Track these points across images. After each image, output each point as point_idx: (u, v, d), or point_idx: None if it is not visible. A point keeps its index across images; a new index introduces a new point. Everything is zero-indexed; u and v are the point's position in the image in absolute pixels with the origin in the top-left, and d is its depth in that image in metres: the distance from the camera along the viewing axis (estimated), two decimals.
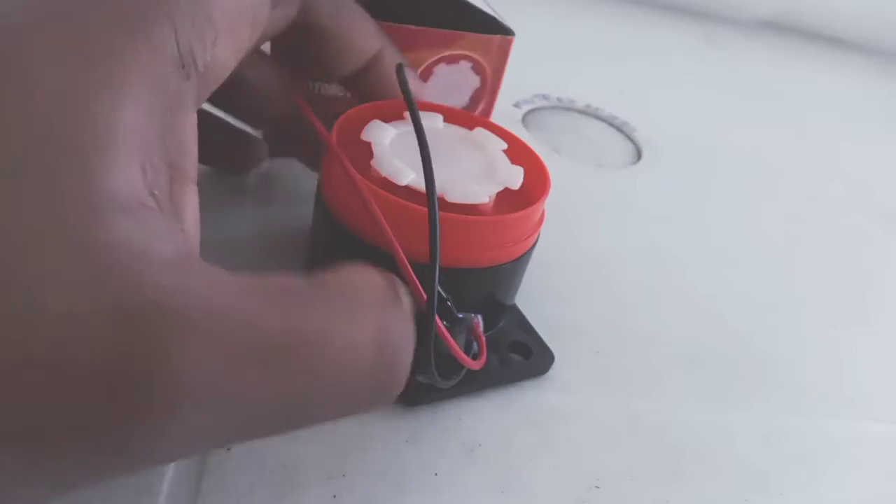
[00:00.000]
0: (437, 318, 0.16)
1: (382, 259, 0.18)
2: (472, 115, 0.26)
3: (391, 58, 0.23)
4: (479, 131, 0.24)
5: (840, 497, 0.22)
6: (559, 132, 0.41)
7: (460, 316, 0.18)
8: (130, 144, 0.12)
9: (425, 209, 0.18)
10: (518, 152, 0.24)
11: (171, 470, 0.18)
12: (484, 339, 0.19)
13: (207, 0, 0.14)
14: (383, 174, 0.20)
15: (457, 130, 0.24)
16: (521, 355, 0.23)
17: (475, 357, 0.18)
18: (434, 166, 0.19)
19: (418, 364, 0.16)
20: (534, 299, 0.26)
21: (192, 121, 0.14)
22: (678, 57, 0.58)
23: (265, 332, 0.12)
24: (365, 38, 0.22)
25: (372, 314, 0.14)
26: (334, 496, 0.18)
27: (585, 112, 0.44)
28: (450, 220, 0.19)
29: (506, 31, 0.29)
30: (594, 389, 0.24)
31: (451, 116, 0.25)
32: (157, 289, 0.11)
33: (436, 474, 0.19)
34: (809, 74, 0.63)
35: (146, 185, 0.12)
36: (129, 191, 0.12)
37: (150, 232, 0.12)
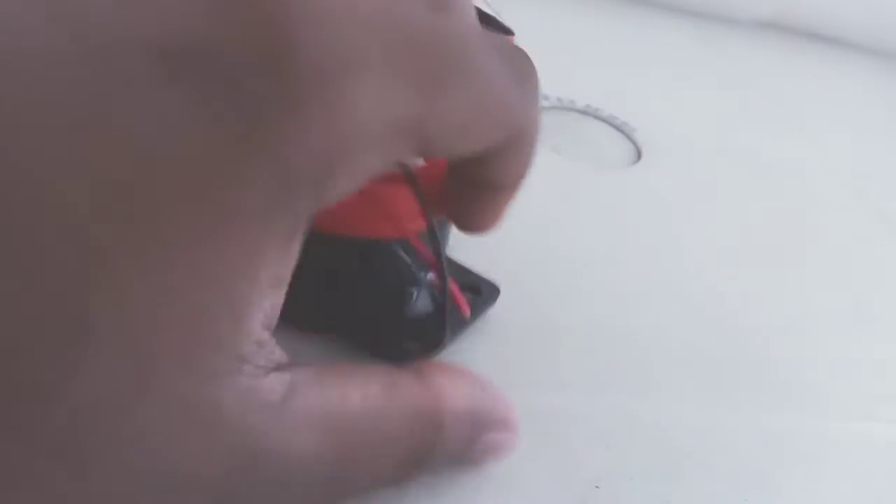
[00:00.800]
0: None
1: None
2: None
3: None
4: None
5: (840, 497, 0.22)
6: (559, 132, 0.41)
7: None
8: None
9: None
10: None
11: None
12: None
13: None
14: None
15: None
16: (472, 293, 0.24)
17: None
18: None
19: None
20: (533, 299, 0.26)
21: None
22: (678, 57, 0.58)
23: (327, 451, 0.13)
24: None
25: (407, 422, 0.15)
26: None
27: (585, 112, 0.44)
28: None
29: (505, 31, 0.29)
30: (594, 389, 0.24)
31: None
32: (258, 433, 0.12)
33: (436, 473, 0.19)
34: (809, 75, 0.63)
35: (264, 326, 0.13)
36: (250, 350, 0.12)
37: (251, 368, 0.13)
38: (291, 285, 0.14)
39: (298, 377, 0.13)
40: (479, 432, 0.17)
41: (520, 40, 0.30)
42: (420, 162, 0.20)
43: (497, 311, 0.25)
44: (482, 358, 0.23)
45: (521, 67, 0.17)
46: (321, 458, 0.13)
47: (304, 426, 0.13)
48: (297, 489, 0.13)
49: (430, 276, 0.21)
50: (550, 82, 0.45)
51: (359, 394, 0.14)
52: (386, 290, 0.22)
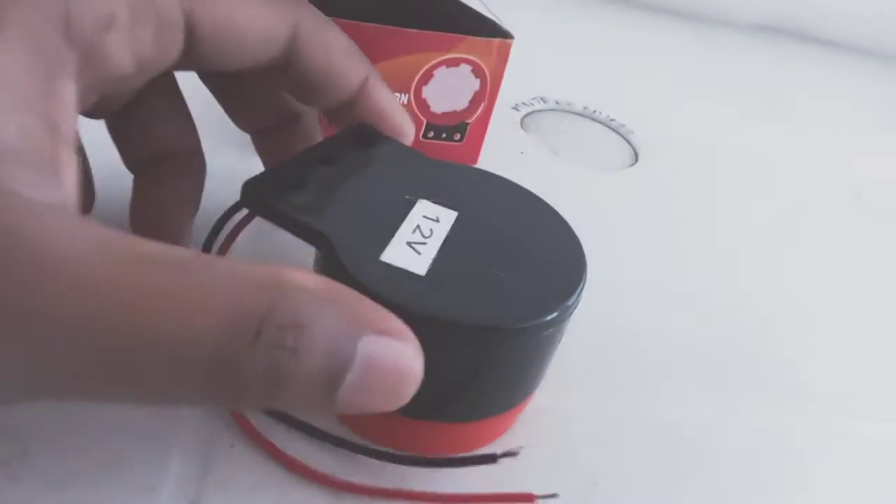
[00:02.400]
0: None
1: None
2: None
3: (377, 87, 0.21)
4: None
5: (838, 496, 0.23)
6: (557, 134, 0.41)
7: None
8: (5, 97, 0.12)
9: None
10: None
11: (174, 467, 0.18)
12: None
13: None
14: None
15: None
16: None
17: None
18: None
19: None
20: None
21: (71, 90, 0.14)
22: (676, 59, 0.58)
23: (109, 287, 0.11)
24: (353, 68, 0.20)
25: (231, 290, 0.12)
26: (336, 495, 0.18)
27: (583, 114, 0.44)
28: None
29: (505, 35, 0.30)
30: (593, 388, 0.24)
31: None
32: (15, 217, 0.11)
33: (436, 473, 0.20)
34: (806, 77, 0.63)
35: (20, 138, 0.12)
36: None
37: (19, 179, 0.12)
38: None
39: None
40: (354, 330, 0.13)
41: (519, 43, 0.30)
42: None
43: None
44: None
45: None
46: (93, 279, 0.11)
47: (79, 237, 0.12)
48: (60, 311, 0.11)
49: None
50: (549, 84, 0.45)
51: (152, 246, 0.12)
52: None
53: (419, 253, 0.18)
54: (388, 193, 0.19)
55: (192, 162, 0.22)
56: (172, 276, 0.12)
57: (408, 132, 0.22)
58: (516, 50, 0.30)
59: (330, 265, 0.17)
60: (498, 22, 0.30)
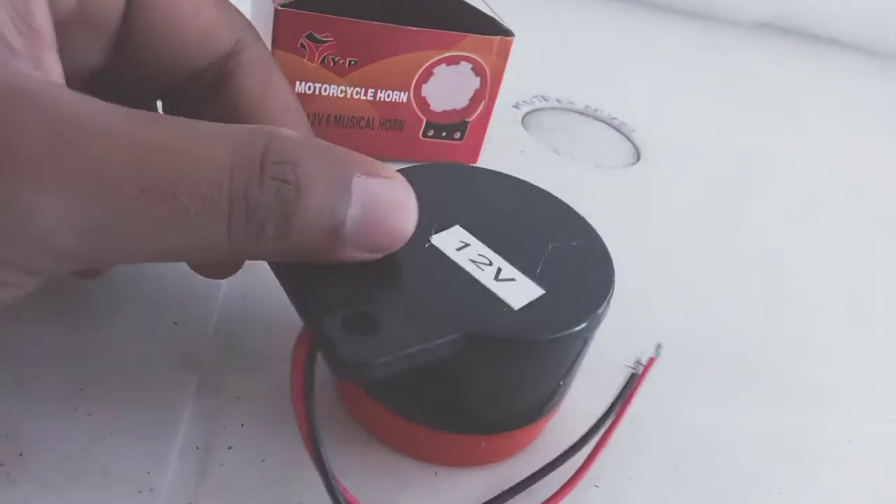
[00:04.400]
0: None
1: None
2: None
3: (260, 61, 0.19)
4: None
5: (839, 496, 0.23)
6: (558, 133, 0.41)
7: None
8: None
9: None
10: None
11: (171, 470, 0.18)
12: None
13: None
14: None
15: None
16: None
17: None
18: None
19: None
20: None
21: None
22: (677, 58, 0.58)
23: (120, 133, 0.12)
24: (222, 33, 0.18)
25: (228, 136, 0.13)
26: None
27: (585, 113, 0.44)
28: None
29: (505, 33, 0.29)
30: (593, 389, 0.24)
31: None
32: (28, 82, 0.12)
33: (436, 474, 0.20)
34: (808, 75, 0.63)
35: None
36: None
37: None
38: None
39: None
40: (344, 170, 0.14)
41: (520, 41, 0.30)
42: None
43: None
44: None
45: None
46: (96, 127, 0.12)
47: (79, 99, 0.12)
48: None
49: None
50: (550, 82, 0.45)
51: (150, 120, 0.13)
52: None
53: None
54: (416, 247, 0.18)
55: (239, 64, 0.19)
56: (176, 128, 0.13)
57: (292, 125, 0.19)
58: (517, 48, 0.30)
59: None
60: (498, 19, 0.30)
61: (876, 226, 0.40)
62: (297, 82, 0.28)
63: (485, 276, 0.17)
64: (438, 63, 0.29)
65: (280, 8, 0.26)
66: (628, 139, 0.42)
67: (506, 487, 0.19)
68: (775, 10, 0.68)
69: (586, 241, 0.21)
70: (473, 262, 0.18)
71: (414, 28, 0.28)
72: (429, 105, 0.30)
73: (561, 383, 0.19)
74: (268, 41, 0.26)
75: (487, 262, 0.18)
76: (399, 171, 0.18)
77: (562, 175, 0.36)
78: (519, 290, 0.17)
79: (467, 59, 0.29)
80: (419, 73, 0.29)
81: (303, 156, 0.14)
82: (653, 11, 0.65)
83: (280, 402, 0.20)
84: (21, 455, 0.17)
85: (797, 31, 0.69)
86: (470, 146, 0.32)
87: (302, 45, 0.27)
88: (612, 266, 0.20)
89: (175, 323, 0.22)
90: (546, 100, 0.44)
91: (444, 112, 0.31)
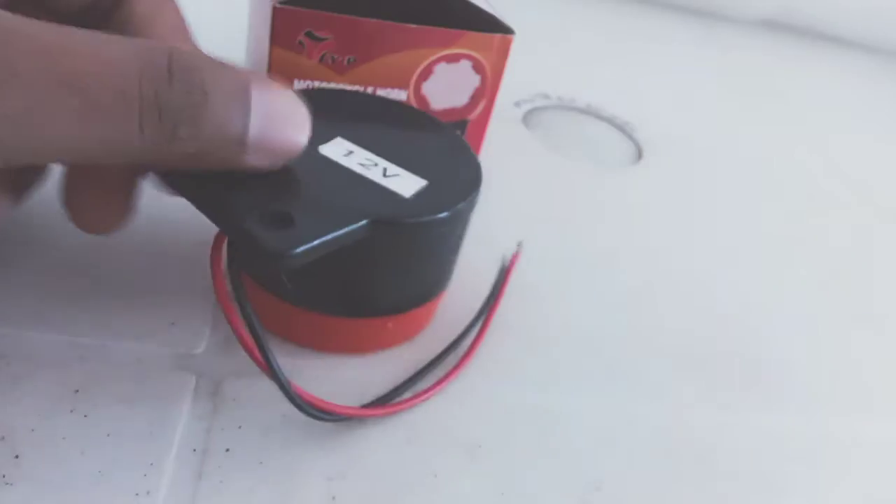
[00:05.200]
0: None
1: None
2: None
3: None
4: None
5: (841, 497, 0.22)
6: (560, 131, 0.41)
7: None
8: None
9: None
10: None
11: (168, 472, 0.18)
12: None
13: None
14: None
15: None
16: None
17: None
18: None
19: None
20: (534, 299, 0.26)
21: None
22: (679, 56, 0.58)
23: (33, 36, 0.13)
24: None
25: (133, 45, 0.14)
26: (333, 497, 0.18)
27: (586, 111, 0.43)
28: None
29: (506, 30, 0.29)
30: (594, 390, 0.24)
31: None
32: None
33: (435, 475, 0.19)
34: (811, 73, 0.62)
35: None
36: None
37: None
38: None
39: None
40: (243, 81, 0.15)
41: (520, 40, 0.30)
42: None
43: (497, 311, 0.25)
44: (482, 358, 0.23)
45: None
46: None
47: None
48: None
49: None
50: (551, 81, 0.45)
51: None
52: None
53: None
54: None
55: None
56: (84, 35, 0.14)
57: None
58: (517, 45, 0.30)
59: None
60: (498, 17, 0.29)
61: (879, 225, 0.40)
62: (296, 80, 0.27)
63: (374, 174, 0.20)
64: (438, 61, 0.29)
65: (278, 5, 0.26)
66: (630, 138, 0.42)
67: (420, 366, 0.22)
68: (778, 7, 0.68)
69: (451, 141, 0.23)
70: (361, 164, 0.20)
71: (413, 26, 0.27)
72: (429, 103, 0.30)
73: (452, 258, 0.22)
74: (266, 39, 0.26)
75: (373, 163, 0.20)
76: None
77: (563, 174, 0.36)
78: (406, 183, 0.20)
79: (467, 57, 0.29)
80: (419, 71, 0.29)
81: (205, 65, 0.15)
82: (655, 9, 0.65)
83: (278, 405, 0.20)
84: (17, 457, 0.17)
85: (800, 29, 0.69)
86: (470, 145, 0.32)
87: (300, 42, 0.27)
88: (475, 156, 0.23)
89: (172, 324, 0.21)
90: (547, 98, 0.43)
91: (444, 110, 0.31)
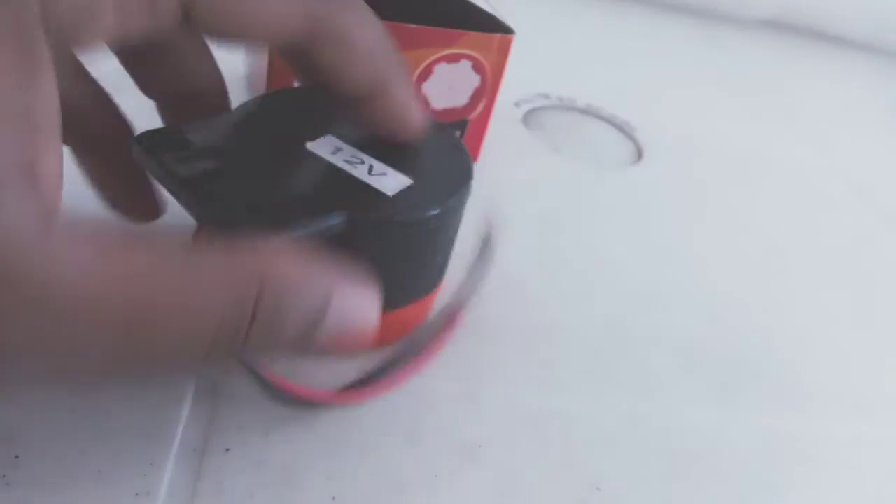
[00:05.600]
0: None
1: None
2: None
3: (396, 94, 0.20)
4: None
5: (840, 497, 0.22)
6: (560, 131, 0.41)
7: None
8: None
9: None
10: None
11: (168, 472, 0.18)
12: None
13: None
14: None
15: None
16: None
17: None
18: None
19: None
20: (534, 299, 0.26)
21: (51, 82, 0.13)
22: (679, 56, 0.58)
23: (112, 301, 0.13)
24: (371, 72, 0.19)
25: (221, 289, 0.14)
26: (333, 497, 0.18)
27: (586, 111, 0.43)
28: None
29: (506, 30, 0.29)
30: (594, 390, 0.24)
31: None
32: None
33: (435, 476, 0.19)
34: (811, 74, 0.62)
35: None
36: None
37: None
38: None
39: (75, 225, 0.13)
40: (322, 299, 0.15)
41: (520, 39, 0.30)
42: None
43: (497, 311, 0.25)
44: (482, 358, 0.23)
45: None
46: (96, 298, 0.12)
47: (75, 254, 0.12)
48: (70, 331, 0.13)
49: None
50: (551, 81, 0.45)
51: (146, 251, 0.13)
52: None
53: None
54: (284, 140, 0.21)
55: (217, 103, 0.21)
56: (174, 270, 0.13)
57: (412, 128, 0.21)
58: (517, 45, 0.30)
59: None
60: (498, 17, 0.29)
61: (879, 225, 0.40)
62: (295, 80, 0.27)
63: (359, 172, 0.19)
64: (438, 61, 0.29)
65: None
66: (630, 138, 0.42)
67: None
68: (778, 7, 0.68)
69: (445, 140, 0.23)
70: (347, 161, 0.20)
71: (413, 25, 0.27)
72: (428, 103, 0.30)
73: (439, 258, 0.22)
74: None
75: (359, 160, 0.20)
76: (269, 93, 0.22)
77: (563, 174, 0.36)
78: (391, 181, 0.19)
79: (467, 57, 0.29)
80: (419, 70, 0.29)
81: (292, 294, 0.15)
82: (655, 9, 0.65)
83: (278, 405, 0.20)
84: (17, 458, 0.17)
85: (801, 29, 0.69)
86: (470, 145, 0.32)
87: None
88: (469, 157, 0.22)
89: None
90: (547, 98, 0.43)
91: (444, 110, 0.31)
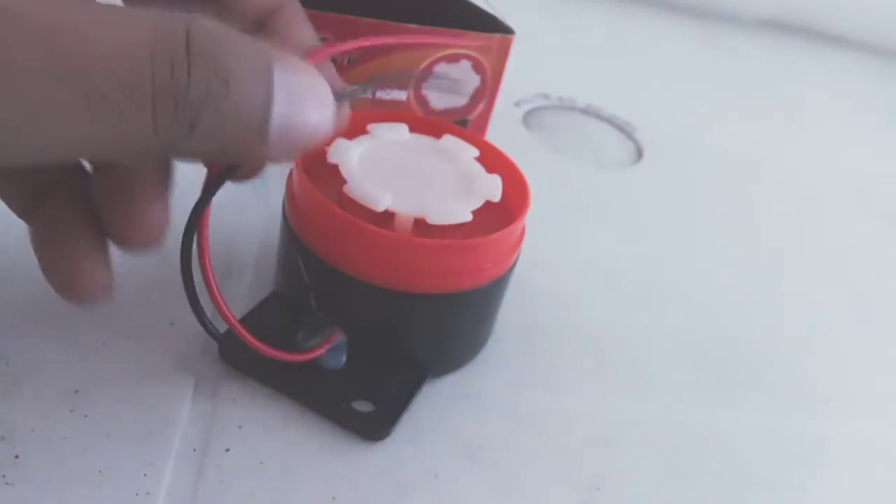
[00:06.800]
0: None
1: (342, 280, 0.19)
2: (439, 120, 0.25)
3: (295, 15, 0.19)
4: (448, 139, 0.23)
5: (840, 497, 0.22)
6: (560, 131, 0.41)
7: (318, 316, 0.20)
8: None
9: (402, 235, 0.19)
10: (492, 159, 0.23)
11: (169, 472, 0.18)
12: (323, 351, 0.20)
13: None
14: (359, 201, 0.20)
15: (424, 140, 0.23)
16: (368, 405, 0.20)
17: (300, 351, 0.20)
18: (409, 185, 0.19)
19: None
20: (534, 299, 0.26)
21: None
22: (679, 56, 0.58)
23: (29, 16, 0.11)
24: None
25: (147, 22, 0.12)
26: (333, 497, 0.18)
27: (586, 111, 0.43)
28: (426, 247, 0.19)
29: (506, 30, 0.29)
30: (594, 390, 0.24)
31: (416, 125, 0.23)
32: None
33: (436, 475, 0.19)
34: (811, 74, 0.62)
35: None
36: None
37: None
38: None
39: None
40: (266, 62, 0.13)
41: (520, 39, 0.30)
42: None
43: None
44: (481, 358, 0.23)
45: None
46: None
47: None
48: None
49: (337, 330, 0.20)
50: (551, 82, 0.45)
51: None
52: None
53: None
54: None
55: None
56: (86, 10, 0.12)
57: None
58: (517, 45, 0.30)
59: None
60: (498, 17, 0.29)
61: (879, 225, 0.40)
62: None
63: None
64: (438, 61, 0.29)
65: None
66: (630, 138, 0.42)
67: None
68: (778, 7, 0.68)
69: None
70: None
71: (413, 25, 0.27)
72: (428, 103, 0.30)
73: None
74: None
75: None
76: None
77: (563, 174, 0.36)
78: None
79: (467, 57, 0.29)
80: (420, 69, 0.29)
81: (226, 46, 0.13)
82: (655, 9, 0.65)
83: (278, 405, 0.20)
84: (17, 457, 0.17)
85: (801, 29, 0.69)
86: None
87: None
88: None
89: (172, 324, 0.21)
90: (547, 98, 0.43)
91: (444, 110, 0.31)
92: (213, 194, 0.17)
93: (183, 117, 0.13)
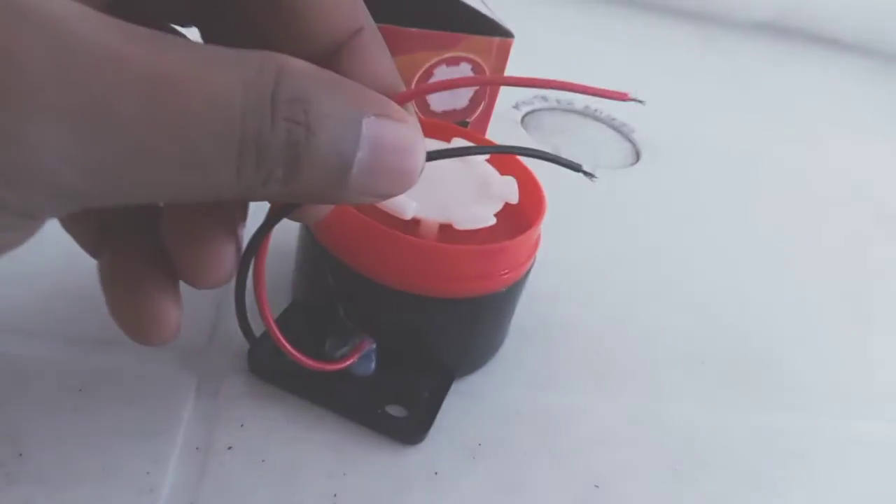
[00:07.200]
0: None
1: (372, 288, 0.19)
2: (447, 124, 0.25)
3: (371, 44, 0.18)
4: (459, 143, 0.23)
5: (839, 497, 0.22)
6: (558, 133, 0.41)
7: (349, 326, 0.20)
8: None
9: (433, 243, 0.19)
10: (502, 160, 0.23)
11: (171, 470, 0.18)
12: (355, 359, 0.20)
13: None
14: (386, 209, 0.20)
15: (436, 144, 0.23)
16: (401, 410, 0.21)
17: (327, 361, 0.20)
18: (430, 191, 0.19)
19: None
20: (534, 299, 0.27)
21: None
22: (677, 58, 0.58)
23: (129, 61, 0.11)
24: (345, 15, 0.17)
25: (239, 69, 0.12)
26: (335, 495, 0.18)
27: (584, 113, 0.44)
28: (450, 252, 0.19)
29: (505, 34, 0.29)
30: (594, 389, 0.24)
31: (426, 129, 0.24)
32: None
33: (436, 473, 0.20)
34: (808, 75, 0.63)
35: None
36: None
37: None
38: None
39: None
40: (355, 110, 0.13)
41: (519, 42, 0.30)
42: None
43: None
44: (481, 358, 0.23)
45: None
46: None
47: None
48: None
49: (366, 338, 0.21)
50: None
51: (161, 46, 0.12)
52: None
53: None
54: None
55: None
56: (184, 56, 0.12)
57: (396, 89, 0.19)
58: (517, 48, 0.30)
59: None
60: (498, 20, 0.30)
61: (876, 226, 0.40)
62: None
63: None
64: (438, 64, 0.29)
65: None
66: (628, 139, 0.42)
67: None
68: (775, 10, 0.68)
69: None
70: None
71: (413, 29, 0.28)
72: (429, 106, 0.30)
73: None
74: None
75: None
76: None
77: (562, 175, 0.36)
78: None
79: (467, 60, 0.29)
80: (419, 74, 0.29)
81: (315, 93, 0.13)
82: (653, 12, 0.65)
83: (280, 403, 0.20)
84: (21, 455, 0.17)
85: (797, 32, 0.69)
86: None
87: None
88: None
89: None
90: (546, 100, 0.44)
91: (444, 113, 0.31)
92: (277, 223, 0.17)
93: (262, 169, 0.13)
